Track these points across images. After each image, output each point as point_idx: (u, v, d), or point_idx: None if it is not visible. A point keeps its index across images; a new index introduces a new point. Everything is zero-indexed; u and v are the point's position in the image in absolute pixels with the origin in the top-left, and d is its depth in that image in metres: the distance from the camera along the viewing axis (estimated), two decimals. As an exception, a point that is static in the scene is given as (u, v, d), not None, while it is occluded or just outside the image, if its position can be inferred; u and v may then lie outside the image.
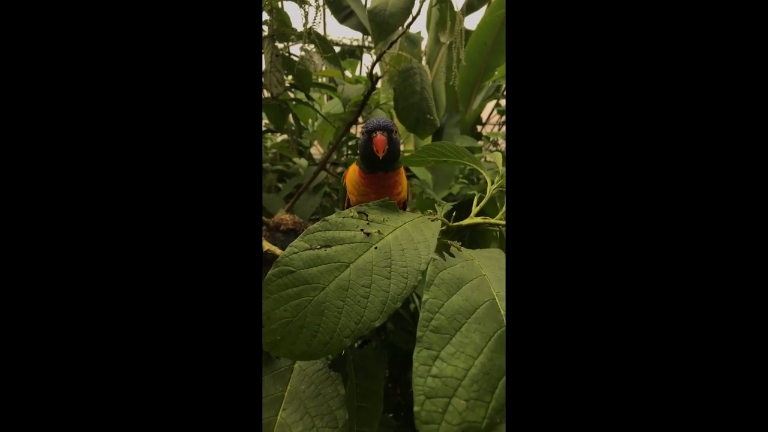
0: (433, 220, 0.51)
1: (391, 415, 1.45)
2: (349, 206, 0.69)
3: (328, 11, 1.55)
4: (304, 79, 1.26)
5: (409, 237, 0.47)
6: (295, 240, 0.46)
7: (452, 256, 0.43)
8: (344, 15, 1.62)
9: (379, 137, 0.60)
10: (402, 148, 1.99)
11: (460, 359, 0.32)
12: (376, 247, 0.46)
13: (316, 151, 1.93)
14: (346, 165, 1.76)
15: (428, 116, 1.17)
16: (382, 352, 1.33)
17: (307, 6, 1.09)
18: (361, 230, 0.48)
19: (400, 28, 1.13)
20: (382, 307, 0.40)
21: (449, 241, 0.53)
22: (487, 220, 0.60)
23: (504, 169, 0.64)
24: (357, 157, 0.67)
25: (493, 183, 0.66)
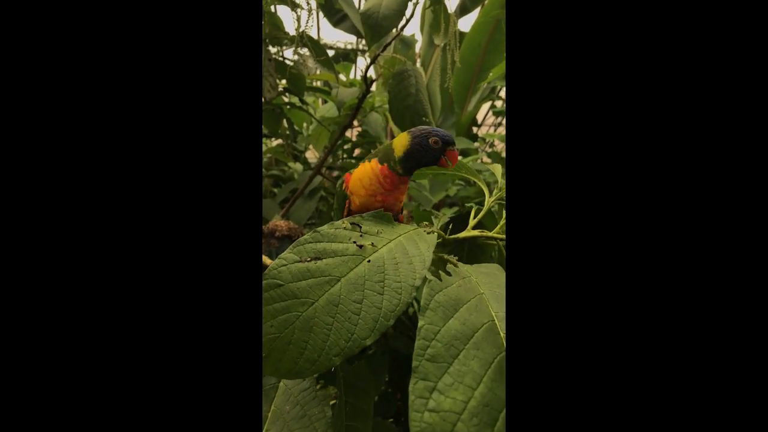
0: (428, 233, 0.49)
1: (391, 420, 1.43)
2: (349, 210, 0.67)
3: (321, 15, 1.54)
4: (297, 83, 1.24)
5: (403, 250, 0.45)
6: (285, 251, 0.44)
7: (448, 273, 0.42)
8: (338, 18, 1.60)
9: (457, 152, 0.63)
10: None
11: (458, 391, 0.31)
12: (369, 261, 0.44)
13: (312, 155, 1.91)
14: (342, 169, 1.74)
15: (423, 118, 1.15)
16: (382, 357, 1.32)
17: (299, 9, 1.08)
18: (354, 242, 0.47)
19: (394, 30, 1.11)
20: (374, 324, 0.38)
21: (446, 256, 0.51)
22: (484, 233, 0.58)
23: (503, 181, 0.63)
24: (372, 156, 0.65)
25: (491, 194, 0.64)
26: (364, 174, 0.64)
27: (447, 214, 1.53)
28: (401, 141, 0.62)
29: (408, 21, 1.14)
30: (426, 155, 0.61)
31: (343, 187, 0.67)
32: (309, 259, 0.43)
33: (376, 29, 1.05)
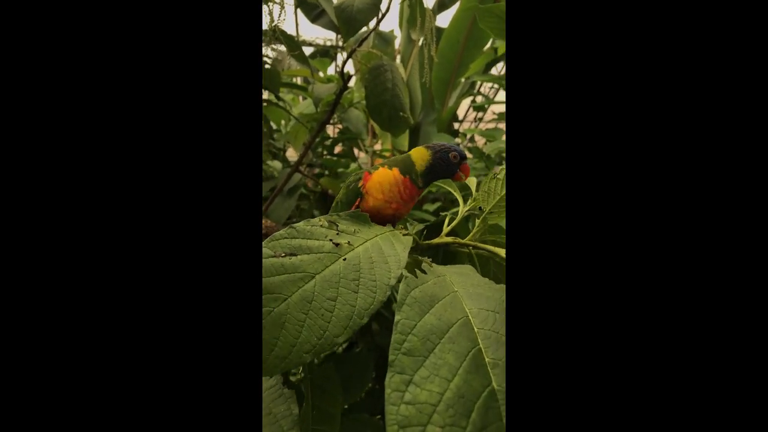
0: (404, 235, 0.50)
1: (379, 417, 1.43)
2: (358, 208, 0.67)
3: (299, 11, 1.51)
4: (272, 79, 1.22)
5: (379, 250, 0.45)
6: (258, 247, 0.43)
7: (424, 272, 0.42)
8: (315, 14, 1.58)
9: (468, 165, 0.66)
10: (379, 146, 1.96)
11: (434, 383, 0.30)
12: (344, 259, 0.43)
13: (293, 153, 1.89)
14: (323, 166, 1.72)
15: (401, 113, 1.14)
16: (369, 354, 1.30)
17: (272, 4, 1.05)
18: (330, 240, 0.46)
19: (371, 24, 1.10)
20: (347, 322, 0.37)
21: (420, 258, 0.52)
22: (457, 240, 0.59)
23: (478, 194, 0.65)
24: (391, 165, 0.66)
25: (465, 204, 0.65)
26: (386, 179, 0.64)
27: (430, 209, 1.53)
28: (421, 155, 0.64)
29: (384, 15, 1.12)
30: (446, 169, 0.64)
31: (359, 185, 0.66)
32: (284, 254, 0.42)
33: (351, 23, 1.04)
